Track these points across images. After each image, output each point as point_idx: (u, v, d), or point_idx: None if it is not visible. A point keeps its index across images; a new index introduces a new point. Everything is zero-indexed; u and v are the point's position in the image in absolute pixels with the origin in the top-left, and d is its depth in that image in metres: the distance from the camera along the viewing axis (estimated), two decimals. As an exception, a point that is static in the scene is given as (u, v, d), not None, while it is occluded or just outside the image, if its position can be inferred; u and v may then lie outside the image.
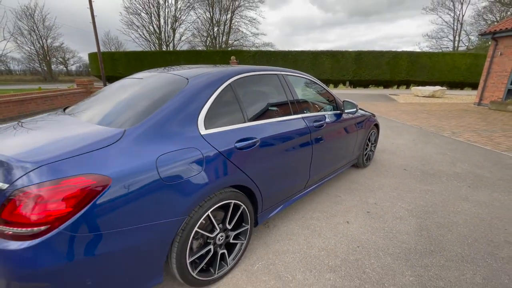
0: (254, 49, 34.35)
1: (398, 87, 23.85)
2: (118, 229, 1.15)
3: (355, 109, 2.77)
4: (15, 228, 1.02)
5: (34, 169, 1.05)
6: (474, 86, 20.94)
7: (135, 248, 1.21)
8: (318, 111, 2.65)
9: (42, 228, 1.01)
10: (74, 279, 1.08)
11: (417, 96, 14.37)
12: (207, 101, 1.57)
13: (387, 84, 23.24)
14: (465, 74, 21.32)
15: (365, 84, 23.34)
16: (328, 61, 21.95)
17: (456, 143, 4.80)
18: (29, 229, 1.01)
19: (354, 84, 23.33)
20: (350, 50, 21.74)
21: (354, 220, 2.37)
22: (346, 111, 2.79)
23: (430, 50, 33.79)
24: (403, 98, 13.56)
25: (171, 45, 33.09)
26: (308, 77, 2.64)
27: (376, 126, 3.68)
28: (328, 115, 2.62)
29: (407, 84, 23.27)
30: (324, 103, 2.82)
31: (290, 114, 2.16)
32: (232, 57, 18.00)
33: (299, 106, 2.29)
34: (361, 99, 13.19)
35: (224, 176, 1.53)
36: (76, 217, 1.06)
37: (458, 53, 21.49)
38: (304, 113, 2.31)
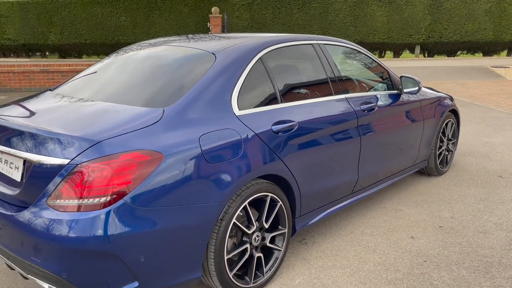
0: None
1: (509, 54, 25.18)
2: (169, 206, 1.99)
3: (416, 88, 3.70)
4: (80, 200, 1.85)
5: (94, 145, 1.90)
6: None
7: (183, 231, 2.05)
8: (367, 91, 3.64)
9: (106, 199, 1.85)
10: (133, 251, 1.91)
11: (542, 68, 15.54)
12: (238, 79, 2.47)
13: (489, 49, 24.55)
14: None
15: (449, 50, 24.61)
16: (382, 10, 23.33)
17: None
18: (94, 199, 1.86)
19: (430, 50, 24.65)
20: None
21: (421, 236, 3.26)
22: (405, 90, 3.76)
23: None
24: (516, 72, 14.76)
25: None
26: (352, 46, 3.57)
27: (454, 113, 4.66)
28: (381, 96, 3.54)
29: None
30: (375, 81, 3.80)
31: (330, 95, 3.08)
32: (214, 9, 19.41)
33: (341, 84, 3.20)
34: (442, 76, 14.31)
35: (262, 161, 2.39)
36: (138, 189, 1.90)
37: None
38: (348, 93, 3.28)
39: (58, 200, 1.90)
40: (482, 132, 6.53)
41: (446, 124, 4.51)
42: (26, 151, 2.04)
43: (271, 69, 2.74)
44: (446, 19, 23.30)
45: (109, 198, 1.89)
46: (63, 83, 3.03)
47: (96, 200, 1.88)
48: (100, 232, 1.86)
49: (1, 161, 2.26)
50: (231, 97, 2.42)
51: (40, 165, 1.98)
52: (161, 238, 2.01)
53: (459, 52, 25.31)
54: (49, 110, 2.42)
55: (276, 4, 23.13)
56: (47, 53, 25.49)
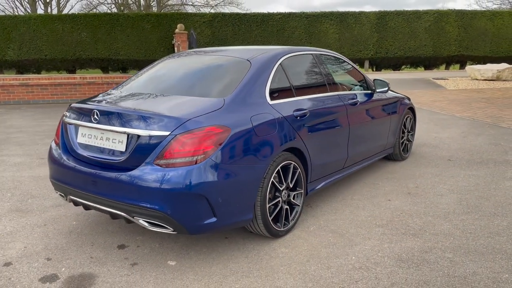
0: (209, 10, 37.35)
1: (447, 67, 27.62)
2: (236, 164, 2.81)
3: (386, 88, 4.79)
4: (179, 159, 2.68)
5: (187, 121, 2.69)
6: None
7: (243, 182, 2.87)
8: (350, 90, 4.66)
9: (196, 158, 2.66)
10: (215, 194, 2.72)
11: (476, 79, 17.42)
12: (268, 77, 3.37)
13: (429, 63, 26.84)
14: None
15: (394, 64, 26.70)
16: (334, 28, 25.08)
17: None
18: (189, 158, 2.70)
19: (377, 64, 26.62)
20: (368, 10, 25.21)
21: (395, 199, 4.28)
22: (377, 90, 4.82)
23: (494, 7, 39.32)
24: (454, 83, 16.48)
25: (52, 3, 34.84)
26: (338, 56, 4.59)
27: (411, 110, 5.79)
28: (359, 94, 4.58)
29: (461, 62, 27.12)
30: (354, 84, 4.84)
31: (326, 92, 4.03)
32: (179, 26, 20.24)
33: (333, 84, 4.17)
34: (391, 87, 15.80)
35: (289, 137, 3.28)
36: (217, 152, 2.72)
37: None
38: (338, 91, 4.26)
39: (162, 160, 2.72)
40: (432, 130, 7.77)
41: (406, 119, 5.61)
42: (131, 128, 2.84)
43: (288, 71, 3.67)
44: (391, 36, 25.35)
45: (198, 157, 2.73)
46: (122, 83, 3.80)
47: (190, 159, 2.71)
48: (194, 180, 2.69)
49: (102, 139, 3.03)
50: (265, 90, 3.33)
51: (146, 137, 2.78)
52: (231, 186, 2.86)
53: (403, 66, 27.46)
54: (134, 100, 3.24)
55: (236, 22, 24.26)
56: (3, 69, 25.09)
